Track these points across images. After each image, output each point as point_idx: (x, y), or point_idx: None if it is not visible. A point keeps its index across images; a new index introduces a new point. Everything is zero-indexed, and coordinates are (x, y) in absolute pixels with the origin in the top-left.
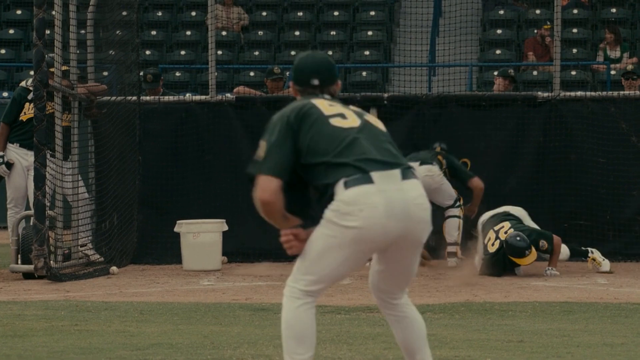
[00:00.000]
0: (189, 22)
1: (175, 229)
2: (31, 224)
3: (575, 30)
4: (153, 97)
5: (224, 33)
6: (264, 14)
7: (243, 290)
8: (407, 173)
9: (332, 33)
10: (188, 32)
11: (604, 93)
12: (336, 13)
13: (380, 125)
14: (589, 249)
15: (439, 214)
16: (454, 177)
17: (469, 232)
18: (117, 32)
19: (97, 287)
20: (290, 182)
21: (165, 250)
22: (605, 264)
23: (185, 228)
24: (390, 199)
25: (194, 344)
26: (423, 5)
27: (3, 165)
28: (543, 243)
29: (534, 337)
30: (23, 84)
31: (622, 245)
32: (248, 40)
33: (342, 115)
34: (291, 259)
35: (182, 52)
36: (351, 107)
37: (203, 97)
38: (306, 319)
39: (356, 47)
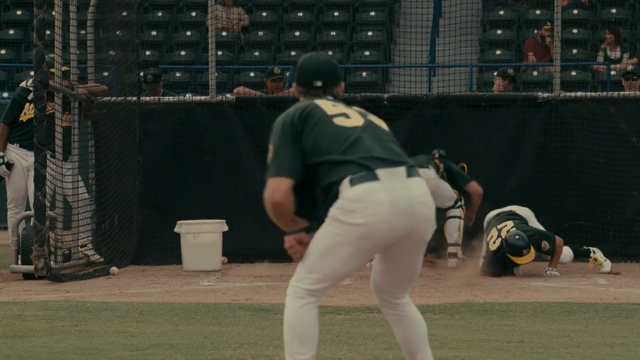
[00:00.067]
0: (189, 23)
1: (175, 230)
2: (31, 224)
3: (575, 31)
4: (153, 97)
5: (224, 33)
6: (264, 14)
7: (243, 291)
8: (411, 171)
9: (332, 33)
10: (188, 33)
11: (604, 93)
12: (336, 13)
13: (383, 125)
14: (591, 248)
15: (439, 214)
16: (452, 182)
17: (472, 232)
18: (117, 32)
19: (97, 287)
20: (297, 184)
21: (165, 251)
22: (607, 265)
23: (185, 228)
24: (396, 196)
25: (194, 345)
26: (423, 6)
27: (3, 166)
28: (545, 244)
29: (534, 338)
30: (23, 84)
31: (622, 245)
32: (248, 41)
33: (346, 115)
34: (291, 259)
35: (182, 53)
36: (354, 107)
37: (203, 97)
38: (309, 318)
39: (356, 48)
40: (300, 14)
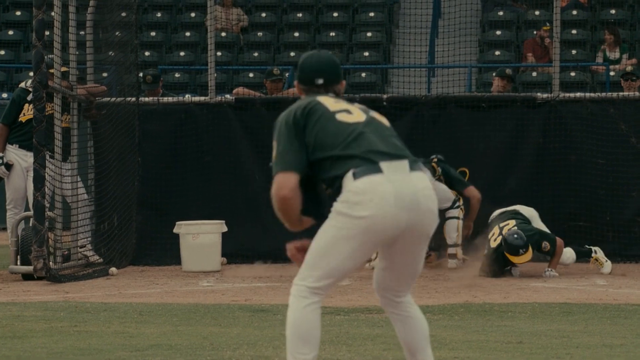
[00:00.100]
0: (189, 24)
1: (175, 230)
2: (30, 225)
3: (574, 32)
4: (152, 98)
5: (223, 34)
6: (264, 15)
7: (242, 292)
8: (414, 165)
9: (331, 34)
10: (187, 33)
11: (603, 94)
12: (335, 14)
13: (385, 121)
14: (593, 248)
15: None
16: (450, 187)
17: (475, 231)
18: (117, 33)
19: (96, 288)
20: (303, 183)
21: (164, 252)
22: (607, 266)
23: (185, 229)
24: (400, 189)
25: (193, 345)
26: (422, 7)
27: (2, 167)
28: (545, 244)
29: (533, 338)
30: (22, 85)
31: (621, 246)
32: (247, 42)
33: (348, 111)
34: (290, 260)
35: (182, 53)
36: (356, 104)
37: (202, 98)
38: (312, 319)
39: (355, 48)
40: (300, 15)
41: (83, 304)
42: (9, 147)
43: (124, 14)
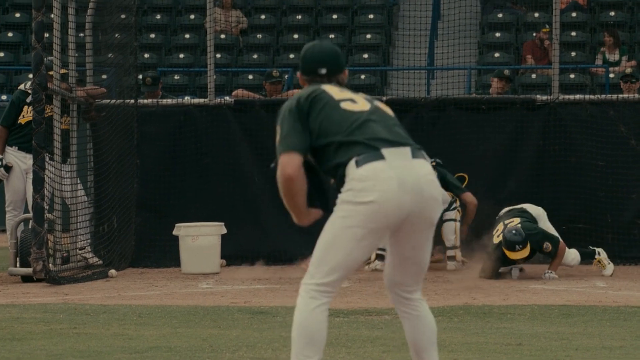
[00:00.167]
0: (188, 26)
1: (174, 232)
2: (30, 227)
3: (574, 34)
4: (152, 100)
5: (222, 36)
6: (263, 17)
7: (242, 294)
8: (416, 152)
9: (330, 36)
10: (187, 35)
11: (603, 96)
12: (335, 16)
13: (389, 110)
14: (596, 249)
15: None
16: (446, 191)
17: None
18: (116, 35)
19: (95, 290)
20: (307, 173)
21: (163, 254)
22: (609, 268)
23: (184, 231)
24: (402, 175)
25: (192, 347)
26: (422, 9)
27: (2, 169)
28: (547, 245)
29: (533, 341)
30: (22, 87)
31: (621, 248)
32: (247, 44)
33: (352, 100)
34: (289, 261)
35: (181, 55)
36: (360, 93)
37: (202, 100)
38: (320, 321)
39: (355, 50)
40: (299, 17)
41: (82, 306)
42: (8, 149)
43: (123, 16)
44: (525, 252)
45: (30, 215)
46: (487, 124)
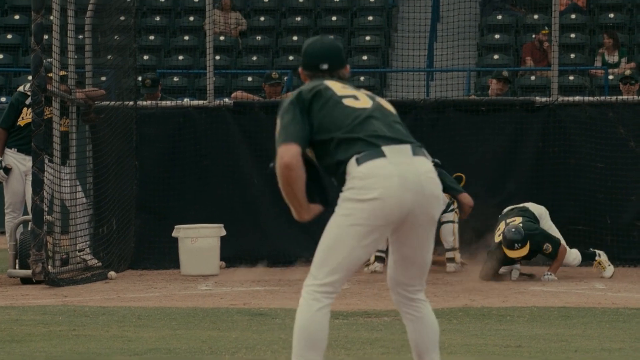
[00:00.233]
0: (187, 27)
1: (173, 234)
2: (29, 229)
3: (573, 35)
4: (151, 102)
5: (222, 38)
6: (262, 19)
7: (241, 295)
8: (417, 150)
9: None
10: (186, 37)
11: (602, 98)
12: (334, 18)
13: (391, 107)
14: (597, 251)
15: None
16: (443, 191)
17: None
18: (115, 37)
19: (94, 292)
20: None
21: (163, 255)
22: (609, 270)
23: (183, 233)
24: (403, 172)
25: (192, 349)
26: (421, 10)
27: (1, 171)
28: (547, 246)
29: (532, 342)
30: (21, 88)
31: (620, 250)
32: (246, 45)
33: (355, 97)
34: (288, 263)
35: (180, 57)
36: (362, 90)
37: (201, 102)
38: (322, 323)
39: (354, 52)
40: (298, 19)
41: (82, 308)
42: (7, 151)
43: (122, 18)
44: (524, 250)
45: (30, 217)
46: (487, 126)
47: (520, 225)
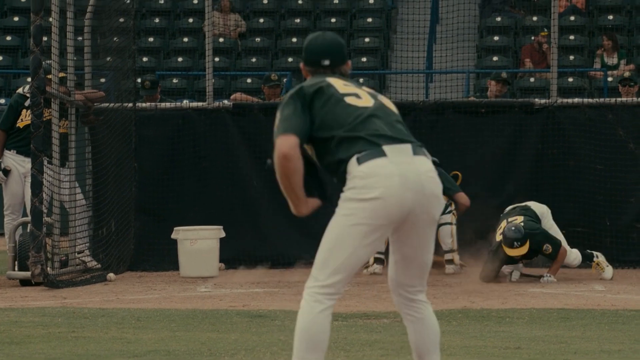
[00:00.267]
0: (186, 29)
1: (173, 236)
2: (28, 230)
3: (572, 37)
4: (150, 103)
5: (221, 40)
6: (261, 20)
7: (240, 297)
8: (417, 149)
9: None
10: (185, 39)
11: (601, 100)
12: (333, 20)
13: (392, 106)
14: (595, 252)
15: None
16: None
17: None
18: (115, 39)
19: (94, 293)
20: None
21: (162, 257)
22: (608, 271)
23: (183, 235)
24: (403, 171)
25: (191, 351)
26: (420, 12)
27: (0, 172)
28: (547, 247)
29: (531, 344)
30: (20, 90)
31: (619, 251)
32: (245, 47)
33: (357, 95)
34: (288, 265)
35: (180, 59)
36: (364, 87)
37: (200, 103)
38: (323, 325)
39: (353, 54)
40: (297, 21)
41: (81, 310)
42: (6, 152)
43: (121, 20)
44: (524, 249)
45: (29, 218)
46: (486, 128)
47: (521, 224)
